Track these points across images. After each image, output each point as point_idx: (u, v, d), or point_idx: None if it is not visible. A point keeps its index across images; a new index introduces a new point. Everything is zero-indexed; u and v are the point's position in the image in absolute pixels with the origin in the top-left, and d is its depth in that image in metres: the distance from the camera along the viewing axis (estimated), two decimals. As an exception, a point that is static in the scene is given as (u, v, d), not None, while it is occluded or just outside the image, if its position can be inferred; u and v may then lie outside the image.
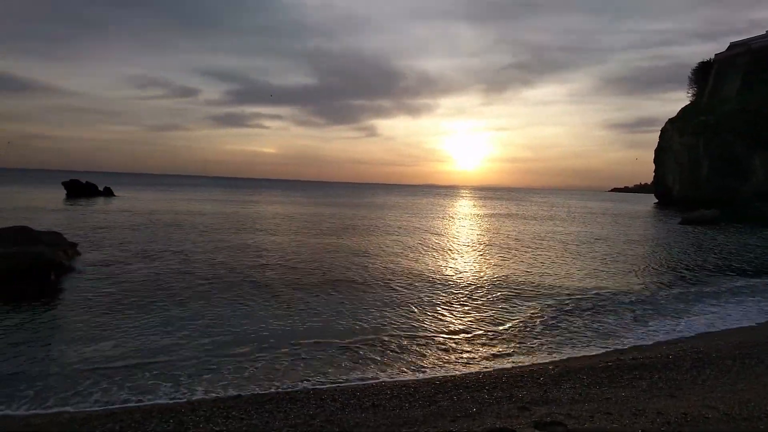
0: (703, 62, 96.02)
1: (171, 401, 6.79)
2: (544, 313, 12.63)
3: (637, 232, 36.98)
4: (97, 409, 6.54)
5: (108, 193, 58.40)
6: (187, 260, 18.14)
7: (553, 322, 11.91)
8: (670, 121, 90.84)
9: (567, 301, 13.90)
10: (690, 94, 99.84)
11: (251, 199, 69.49)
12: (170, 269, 16.38)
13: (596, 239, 30.75)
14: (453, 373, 8.40)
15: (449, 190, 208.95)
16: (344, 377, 8.13)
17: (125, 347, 9.11)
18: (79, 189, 57.12)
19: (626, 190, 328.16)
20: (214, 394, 7.15)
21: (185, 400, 6.83)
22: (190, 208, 45.85)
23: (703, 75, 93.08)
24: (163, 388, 7.48)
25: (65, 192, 56.98)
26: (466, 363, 9.10)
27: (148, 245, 21.21)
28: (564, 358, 9.43)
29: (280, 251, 21.31)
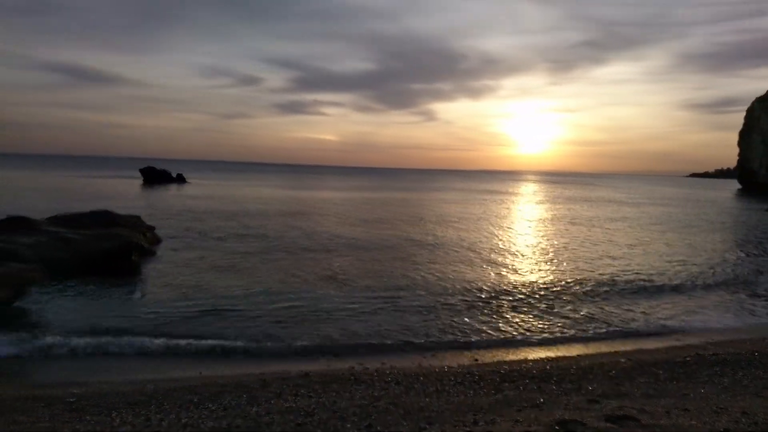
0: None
1: (243, 375, 7.15)
2: (616, 300, 12.15)
3: (719, 219, 34.60)
4: (175, 376, 7.06)
5: (181, 179, 61.58)
6: (259, 243, 18.92)
7: (626, 310, 11.43)
8: (758, 100, 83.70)
9: (642, 290, 13.29)
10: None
11: (314, 185, 71.09)
12: (242, 251, 17.15)
13: (676, 226, 29.04)
14: (519, 360, 8.28)
15: (512, 176, 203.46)
16: (407, 360, 8.24)
17: (200, 322, 9.73)
18: (155, 175, 60.63)
19: (706, 175, 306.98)
20: (282, 368, 7.50)
21: (257, 374, 7.17)
22: (257, 194, 47.60)
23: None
24: (236, 362, 8.00)
25: (142, 178, 60.70)
26: (533, 352, 8.94)
27: (219, 229, 22.26)
28: (637, 348, 9.04)
29: (348, 233, 21.70)
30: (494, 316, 10.87)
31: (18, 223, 15.00)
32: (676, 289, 13.72)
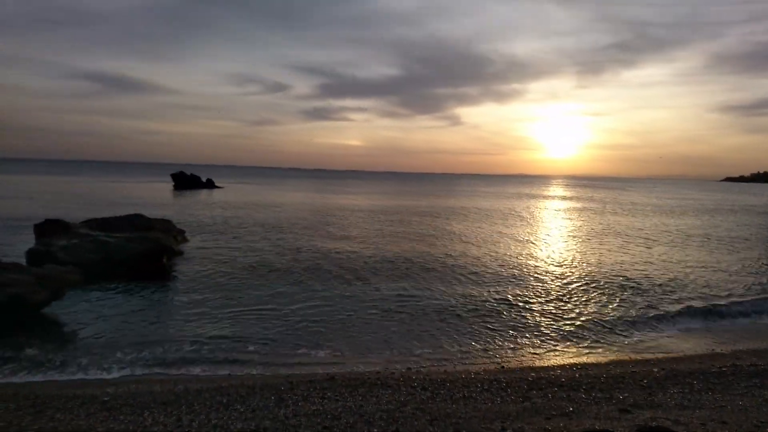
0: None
1: (271, 377, 7.24)
2: (649, 310, 11.84)
3: (756, 227, 33.36)
4: (204, 377, 7.22)
5: (210, 184, 62.73)
6: (284, 247, 19.10)
7: (659, 319, 11.15)
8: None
9: (675, 299, 12.92)
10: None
11: (340, 190, 71.51)
12: (268, 255, 17.36)
13: (710, 235, 28.18)
14: (546, 368, 8.16)
15: (540, 181, 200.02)
16: (433, 366, 8.20)
17: (228, 324, 9.91)
18: (185, 180, 61.93)
19: (741, 179, 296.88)
20: (308, 370, 7.57)
21: (284, 376, 7.25)
22: (284, 199, 48.15)
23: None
24: (263, 363, 8.11)
25: (173, 183, 62.07)
26: (561, 359, 8.79)
27: (248, 233, 22.58)
28: (670, 357, 8.81)
29: (374, 238, 21.75)
30: (521, 324, 10.73)
31: (55, 226, 15.53)
32: (716, 299, 13.29)
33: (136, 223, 17.23)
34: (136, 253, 14.62)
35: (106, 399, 6.11)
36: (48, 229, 15.44)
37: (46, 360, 8.05)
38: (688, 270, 17.00)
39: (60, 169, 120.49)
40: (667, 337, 10.26)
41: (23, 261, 12.66)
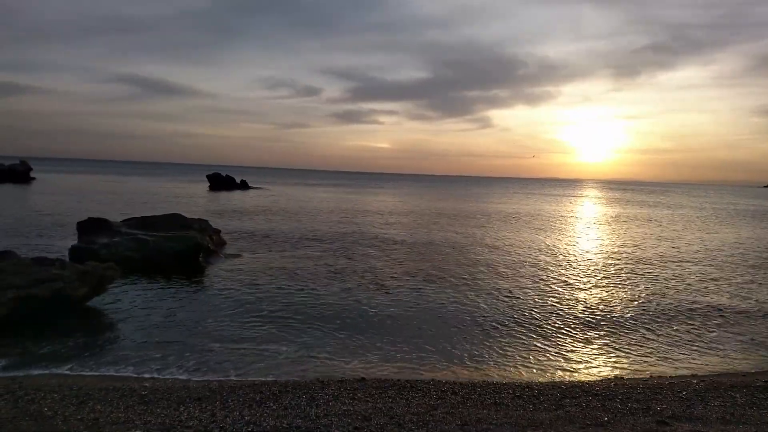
0: None
1: (302, 376, 7.33)
2: (688, 319, 11.46)
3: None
4: (235, 373, 7.37)
5: (244, 185, 63.95)
6: (317, 248, 19.33)
7: (699, 330, 10.77)
8: None
9: (715, 310, 12.47)
10: None
11: (369, 192, 71.77)
12: (302, 256, 17.60)
13: (752, 246, 27.08)
14: (580, 376, 7.99)
15: (575, 185, 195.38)
16: (463, 371, 8.14)
17: (261, 321, 10.09)
18: (220, 181, 63.34)
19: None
20: (338, 370, 7.64)
21: (315, 375, 7.32)
22: (314, 200, 48.63)
23: None
24: (295, 362, 8.18)
25: (209, 184, 63.54)
26: (596, 368, 8.59)
27: (281, 233, 22.94)
28: (710, 370, 8.51)
29: (409, 239, 21.76)
30: (555, 331, 10.54)
31: (97, 225, 16.10)
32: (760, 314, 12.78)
33: (174, 222, 17.67)
34: (174, 252, 15.03)
35: (144, 393, 6.29)
36: (90, 226, 16.02)
37: (87, 353, 8.36)
38: (730, 282, 16.37)
39: (101, 169, 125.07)
40: (709, 348, 9.87)
41: (66, 257, 13.17)
